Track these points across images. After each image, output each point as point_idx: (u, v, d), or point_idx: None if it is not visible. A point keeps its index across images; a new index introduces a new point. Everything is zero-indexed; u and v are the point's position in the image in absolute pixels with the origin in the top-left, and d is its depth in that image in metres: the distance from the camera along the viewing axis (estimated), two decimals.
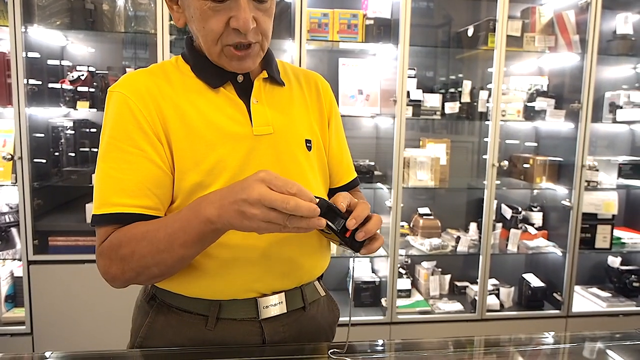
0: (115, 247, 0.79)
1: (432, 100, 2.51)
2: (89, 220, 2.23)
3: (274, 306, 0.90)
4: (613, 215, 2.66)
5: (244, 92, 0.90)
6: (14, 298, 2.33)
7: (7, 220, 2.31)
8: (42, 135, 2.30)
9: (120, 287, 0.83)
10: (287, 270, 0.91)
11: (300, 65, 2.25)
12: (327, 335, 1.03)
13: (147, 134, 0.83)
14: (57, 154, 2.34)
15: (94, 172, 2.30)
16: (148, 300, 0.94)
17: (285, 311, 0.91)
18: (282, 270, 0.90)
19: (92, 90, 2.25)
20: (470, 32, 2.55)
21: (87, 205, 2.24)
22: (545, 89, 2.73)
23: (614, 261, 2.84)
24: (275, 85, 0.95)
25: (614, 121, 2.66)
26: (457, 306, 2.59)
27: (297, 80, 1.01)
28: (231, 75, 0.90)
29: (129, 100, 0.83)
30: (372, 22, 2.36)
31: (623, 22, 2.62)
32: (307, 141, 0.95)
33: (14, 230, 2.32)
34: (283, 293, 0.91)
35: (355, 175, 1.11)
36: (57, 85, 2.32)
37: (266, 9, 0.84)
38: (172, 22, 2.21)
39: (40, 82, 2.26)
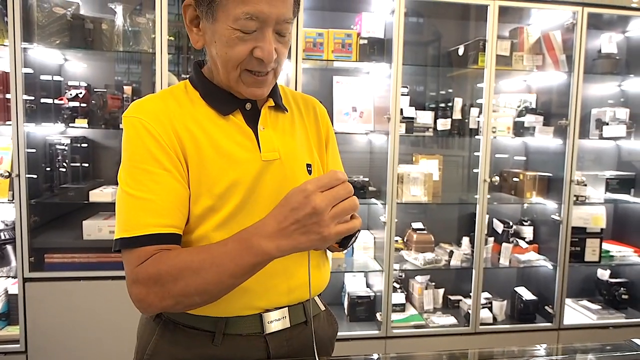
0: (154, 276, 0.77)
1: (425, 117, 2.57)
2: (85, 237, 2.24)
3: (278, 321, 0.93)
4: (601, 229, 2.71)
5: (252, 119, 0.94)
6: (8, 316, 2.31)
7: (3, 237, 2.31)
8: (39, 151, 2.31)
9: (151, 314, 0.82)
10: (291, 286, 0.94)
11: (296, 83, 2.30)
12: (328, 349, 1.06)
13: (169, 154, 0.85)
14: (53, 170, 2.35)
15: (90, 189, 2.31)
16: (154, 317, 0.95)
17: (289, 326, 0.94)
18: (287, 287, 0.93)
19: (89, 107, 2.27)
20: (461, 52, 2.63)
21: (83, 222, 2.25)
22: (533, 106, 2.81)
23: (603, 274, 2.89)
24: (279, 112, 0.99)
25: (601, 137, 2.73)
26: (451, 320, 2.62)
27: (297, 106, 1.05)
28: (240, 103, 0.93)
29: (145, 123, 0.85)
30: (365, 41, 2.42)
31: (607, 42, 2.71)
32: (308, 165, 0.99)
33: (9, 247, 2.31)
34: (286, 308, 0.94)
35: None
36: (55, 103, 2.34)
37: (285, 41, 0.88)
38: (170, 38, 2.26)
39: (38, 100, 2.28)
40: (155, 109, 0.88)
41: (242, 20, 0.81)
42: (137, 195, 0.82)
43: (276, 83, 1.00)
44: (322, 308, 1.06)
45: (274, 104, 0.97)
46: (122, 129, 0.88)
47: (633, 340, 1.13)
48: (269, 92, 0.93)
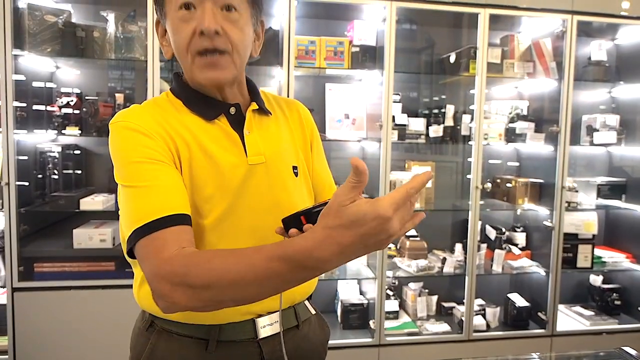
0: (181, 275, 0.71)
1: (417, 124, 2.58)
2: (76, 245, 2.22)
3: (270, 325, 0.94)
4: (593, 235, 2.72)
5: (237, 123, 0.94)
6: None
7: None
8: (29, 159, 2.29)
9: (173, 312, 0.76)
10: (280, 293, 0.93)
11: (288, 90, 2.30)
12: (320, 353, 1.07)
13: (163, 148, 0.85)
14: (44, 178, 2.34)
15: (81, 197, 2.30)
16: (147, 327, 0.95)
17: (281, 330, 0.95)
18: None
19: (81, 115, 2.26)
20: (452, 59, 2.64)
21: (74, 230, 2.23)
22: (525, 112, 2.83)
23: (596, 280, 2.90)
24: (262, 115, 0.99)
25: (592, 143, 2.75)
26: (444, 327, 2.61)
27: (280, 109, 1.05)
28: (224, 107, 0.93)
29: (134, 125, 0.85)
30: (357, 49, 2.43)
31: (597, 49, 2.74)
32: (294, 167, 0.99)
33: None
34: (278, 312, 0.95)
35: None
36: (46, 110, 2.33)
37: (235, 19, 0.86)
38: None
39: (29, 107, 2.27)
40: (143, 114, 0.88)
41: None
42: (139, 185, 0.80)
43: (256, 86, 1.01)
44: (313, 312, 1.06)
45: (257, 107, 0.97)
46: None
47: (623, 348, 1.14)
48: (228, 78, 0.89)
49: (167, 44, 0.93)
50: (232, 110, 0.94)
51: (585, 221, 2.71)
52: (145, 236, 0.76)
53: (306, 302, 1.04)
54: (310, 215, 0.75)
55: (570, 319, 2.81)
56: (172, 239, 0.76)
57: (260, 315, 0.93)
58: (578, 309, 2.86)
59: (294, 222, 0.77)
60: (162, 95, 0.96)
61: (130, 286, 2.30)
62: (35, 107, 2.32)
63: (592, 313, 2.80)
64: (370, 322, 2.54)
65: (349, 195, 0.65)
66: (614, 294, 2.82)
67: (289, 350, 0.95)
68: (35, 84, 2.34)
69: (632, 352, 1.12)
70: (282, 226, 0.79)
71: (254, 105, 0.97)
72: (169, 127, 0.88)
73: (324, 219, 0.66)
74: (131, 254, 0.81)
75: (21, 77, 2.20)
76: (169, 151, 0.85)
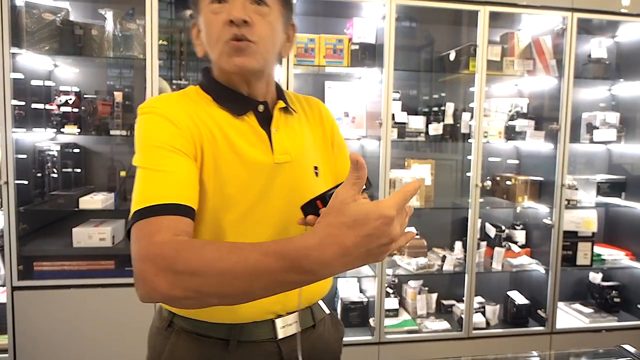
0: (169, 258, 0.68)
1: (417, 122, 2.58)
2: (75, 244, 2.21)
3: (289, 326, 0.95)
4: (593, 233, 2.72)
5: (265, 121, 0.94)
6: None
7: None
8: (28, 158, 2.29)
9: (152, 302, 0.71)
10: (302, 290, 0.94)
11: (287, 88, 2.30)
12: (335, 351, 1.08)
13: (187, 139, 0.84)
14: (43, 177, 2.33)
15: (80, 196, 2.30)
16: (166, 327, 0.95)
17: (300, 330, 0.96)
18: (298, 291, 0.94)
19: (80, 113, 2.26)
20: (452, 57, 2.64)
21: (73, 229, 2.23)
22: (525, 110, 2.82)
23: (595, 277, 2.90)
24: (288, 114, 1.00)
25: (591, 141, 2.75)
26: (444, 325, 2.62)
27: (302, 107, 1.05)
28: (252, 104, 0.94)
29: (163, 112, 0.85)
30: (357, 47, 2.42)
31: (597, 47, 2.73)
32: (315, 167, 1.00)
33: None
34: (297, 313, 0.96)
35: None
36: (45, 109, 2.32)
37: (264, 13, 0.87)
38: (160, 43, 2.25)
39: (27, 106, 2.26)
40: (173, 103, 0.88)
41: None
42: (155, 168, 0.80)
43: (280, 86, 1.01)
44: (327, 311, 1.07)
45: (284, 106, 0.98)
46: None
47: (622, 346, 1.14)
48: (253, 67, 0.89)
49: (199, 42, 0.94)
50: (261, 107, 0.94)
51: (584, 219, 2.71)
52: (143, 219, 0.74)
53: (320, 302, 1.05)
54: (325, 198, 0.75)
55: (570, 316, 2.82)
56: (168, 226, 0.73)
57: (279, 316, 0.94)
58: (577, 306, 2.87)
59: (311, 208, 0.78)
60: (191, 88, 0.96)
61: (131, 284, 2.29)
62: (33, 105, 2.31)
63: (592, 310, 2.81)
64: (370, 320, 2.54)
65: (350, 193, 0.63)
66: (613, 292, 2.82)
67: (305, 350, 0.96)
68: (33, 82, 2.33)
69: (632, 349, 1.12)
70: (303, 216, 0.79)
71: (281, 104, 0.98)
72: (198, 120, 0.88)
73: (326, 217, 0.64)
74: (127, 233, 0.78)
75: (19, 76, 2.19)
76: (193, 144, 0.85)
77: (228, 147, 0.88)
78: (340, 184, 0.67)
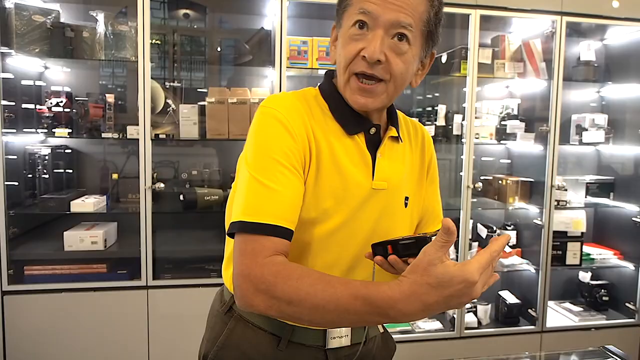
0: (268, 284, 0.74)
1: None
2: (67, 248, 2.20)
3: (340, 338, 0.97)
4: (582, 233, 2.76)
5: (372, 144, 0.94)
6: None
7: None
8: (18, 160, 2.26)
9: (245, 310, 0.82)
10: None
11: (280, 90, 2.30)
12: None
13: (300, 154, 0.85)
14: (33, 180, 2.30)
15: (72, 199, 2.27)
16: (226, 311, 0.99)
17: (349, 344, 0.98)
18: None
19: (71, 116, 2.24)
20: (444, 59, 2.66)
21: (65, 232, 2.21)
22: (515, 112, 2.85)
23: (585, 276, 2.95)
24: (394, 142, 0.99)
25: (581, 142, 2.79)
26: (436, 325, 2.64)
27: (407, 134, 1.04)
28: (365, 125, 0.93)
29: (284, 118, 0.85)
30: None
31: (586, 49, 2.77)
32: (406, 198, 0.99)
33: None
34: (350, 328, 0.97)
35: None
36: (35, 112, 2.30)
37: (402, 51, 0.85)
38: (153, 42, 2.24)
39: (17, 108, 2.23)
40: (293, 107, 0.88)
41: (356, 15, 0.84)
42: (266, 183, 0.81)
43: (396, 111, 1.01)
44: (381, 330, 1.09)
45: (395, 135, 0.97)
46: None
47: (606, 346, 1.16)
48: (376, 106, 0.89)
49: (334, 48, 0.93)
50: (372, 130, 0.94)
51: (574, 219, 2.75)
52: (248, 233, 0.79)
53: None
54: (396, 245, 0.81)
55: (560, 315, 2.86)
56: (270, 248, 0.78)
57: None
58: (567, 305, 2.91)
59: (381, 249, 0.82)
60: (312, 91, 0.96)
61: (123, 288, 2.28)
62: (24, 106, 2.29)
63: (581, 309, 2.85)
64: None
65: (437, 254, 0.68)
66: (602, 290, 2.87)
67: None
68: (23, 82, 2.31)
69: (615, 350, 1.15)
70: (371, 251, 0.84)
71: (393, 132, 0.97)
72: (311, 132, 0.88)
73: (412, 274, 0.69)
74: (230, 234, 0.84)
75: (9, 76, 2.16)
76: (304, 157, 0.86)
77: (332, 163, 0.89)
78: (414, 236, 0.78)
